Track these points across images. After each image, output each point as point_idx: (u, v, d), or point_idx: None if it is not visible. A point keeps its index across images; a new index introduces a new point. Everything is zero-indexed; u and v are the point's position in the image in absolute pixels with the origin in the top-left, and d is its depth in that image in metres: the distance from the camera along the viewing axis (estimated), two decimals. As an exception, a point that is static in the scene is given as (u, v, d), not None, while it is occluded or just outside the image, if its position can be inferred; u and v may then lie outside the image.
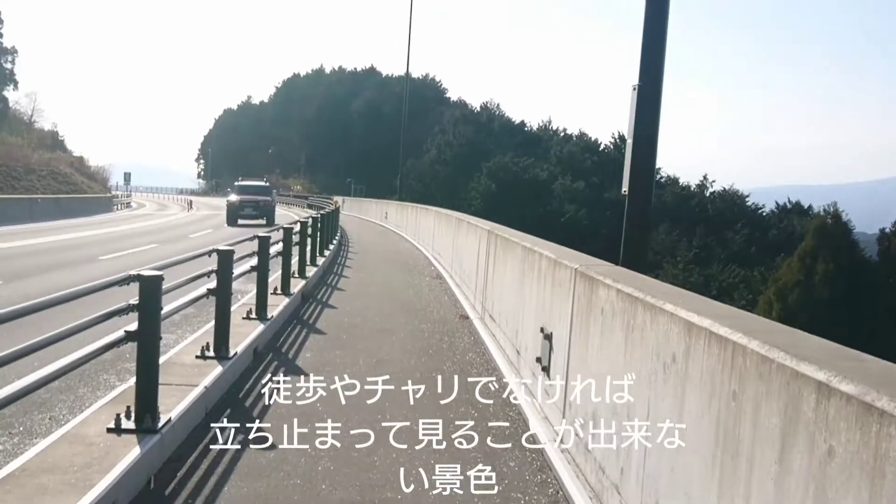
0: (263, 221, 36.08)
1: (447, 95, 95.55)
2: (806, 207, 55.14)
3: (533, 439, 6.48)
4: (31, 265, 17.51)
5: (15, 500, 4.30)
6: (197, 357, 7.75)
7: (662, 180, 61.01)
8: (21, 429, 6.17)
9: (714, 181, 60.13)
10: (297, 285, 13.29)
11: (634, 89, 7.78)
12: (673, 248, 48.77)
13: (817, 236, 37.15)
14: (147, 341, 5.61)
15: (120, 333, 5.52)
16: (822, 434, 2.42)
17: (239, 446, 5.96)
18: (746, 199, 57.46)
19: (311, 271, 15.46)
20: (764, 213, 56.83)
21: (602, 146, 65.03)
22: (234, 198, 38.69)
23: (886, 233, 39.06)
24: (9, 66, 61.48)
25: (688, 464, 3.49)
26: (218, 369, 7.39)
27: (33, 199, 42.71)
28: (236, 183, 41.95)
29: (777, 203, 58.09)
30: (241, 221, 36.86)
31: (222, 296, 7.98)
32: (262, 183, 42.83)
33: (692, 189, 60.30)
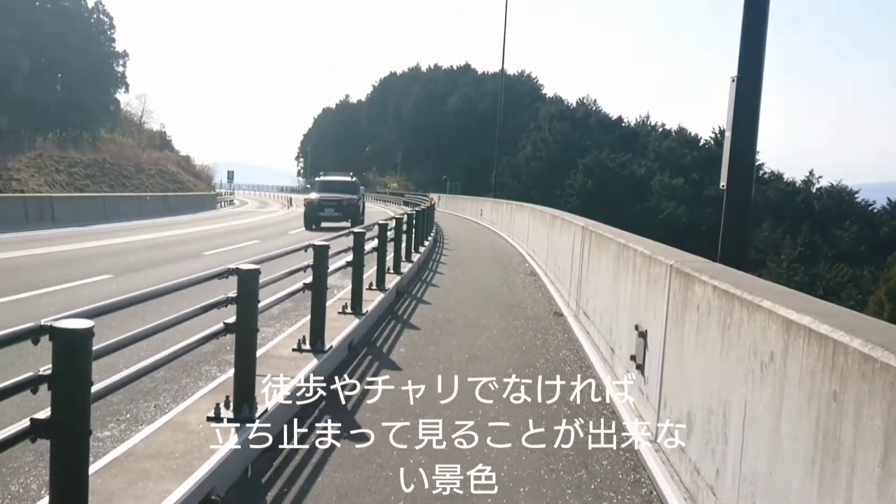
0: (348, 224, 29.83)
1: (543, 92, 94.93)
2: (920, 204, 52.56)
3: (626, 438, 6.39)
4: (139, 260, 18.22)
5: (120, 483, 4.48)
6: (294, 350, 7.92)
7: (765, 176, 59.19)
8: (128, 416, 6.42)
9: (821, 177, 58.05)
10: (391, 281, 13.44)
11: (733, 81, 7.56)
12: (776, 246, 47.27)
13: (933, 234, 35.46)
14: (245, 333, 5.76)
15: (219, 325, 5.68)
16: (928, 437, 2.30)
17: (333, 438, 6.09)
18: (856, 196, 55.17)
19: (405, 267, 15.61)
20: (875, 210, 54.43)
21: (702, 141, 63.58)
22: (313, 196, 33.45)
23: None
24: (121, 69, 64.01)
25: (786, 466, 3.38)
26: (314, 362, 7.53)
27: (142, 197, 44.44)
28: (317, 178, 36.71)
29: (889, 199, 55.56)
30: (322, 224, 31.90)
31: (318, 290, 8.13)
32: (348, 178, 36.13)
33: (797, 185, 58.31)
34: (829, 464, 2.95)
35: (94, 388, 3.50)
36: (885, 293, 35.45)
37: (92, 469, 4.51)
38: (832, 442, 2.93)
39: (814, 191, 56.85)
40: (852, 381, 2.82)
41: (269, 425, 5.91)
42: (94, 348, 3.44)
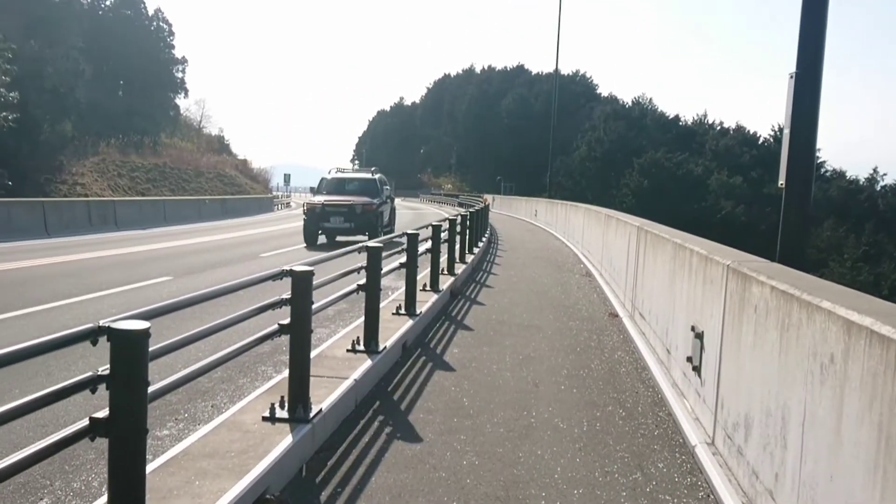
0: (364, 238, 23.23)
1: (597, 91, 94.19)
2: None
3: (684, 441, 6.30)
4: (198, 262, 18.55)
5: (177, 481, 4.55)
6: (348, 350, 7.97)
7: (827, 174, 57.86)
8: (186, 415, 6.53)
9: (885, 174, 56.56)
10: (445, 282, 13.46)
11: (791, 77, 7.40)
12: (839, 246, 46.17)
13: None
14: (299, 334, 5.81)
15: (274, 327, 5.75)
16: None
17: (386, 438, 6.11)
18: (921, 194, 53.63)
19: (459, 268, 15.62)
20: (943, 208, 52.84)
21: (761, 139, 62.49)
22: (316, 199, 24.73)
23: None
24: (180, 75, 65.32)
25: (848, 471, 3.29)
26: (367, 363, 7.57)
27: (201, 200, 45.20)
28: (326, 176, 27.05)
29: (958, 196, 53.92)
30: (325, 238, 24.63)
31: (371, 291, 8.18)
32: (367, 175, 27.03)
33: (861, 183, 56.90)
34: (892, 469, 2.87)
35: (150, 389, 3.56)
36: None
37: (150, 467, 4.60)
38: (895, 447, 2.85)
39: (878, 188, 55.43)
40: (916, 384, 2.73)
41: (323, 425, 5.96)
42: (150, 349, 3.50)
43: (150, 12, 63.29)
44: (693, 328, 6.69)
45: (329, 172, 27.19)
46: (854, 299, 3.80)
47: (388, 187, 27.61)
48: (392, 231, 24.91)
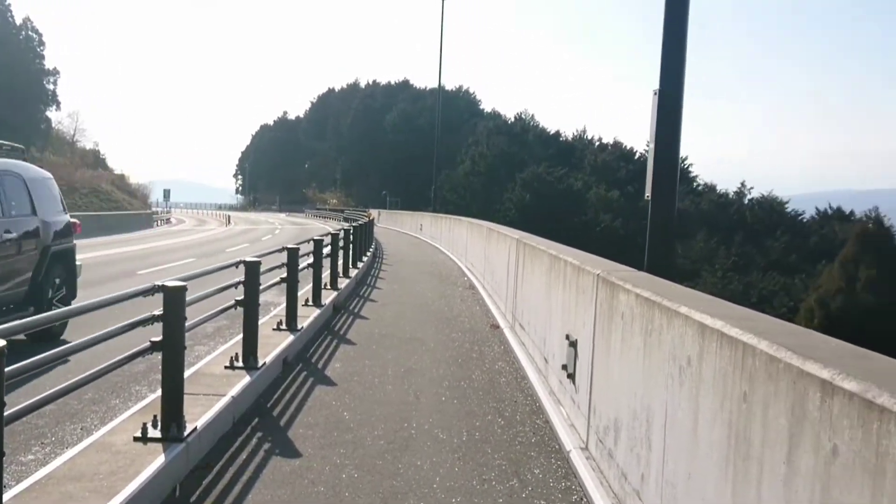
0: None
1: (481, 107, 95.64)
2: (847, 213, 54.20)
3: (559, 447, 6.45)
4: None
5: (40, 507, 4.37)
6: (226, 367, 7.83)
7: (699, 188, 60.47)
8: (53, 439, 6.27)
9: (752, 188, 59.55)
10: (328, 297, 13.37)
11: (655, 94, 7.74)
12: (711, 256, 48.25)
13: (859, 242, 36.58)
14: (171, 351, 5.68)
15: (145, 344, 5.60)
16: (826, 433, 2.38)
17: (264, 455, 6.03)
18: (786, 206, 56.69)
19: (343, 283, 15.55)
20: (804, 220, 55.98)
21: (637, 154, 64.67)
22: None
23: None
24: (51, 86, 62.77)
25: (703, 468, 3.45)
26: (246, 379, 7.45)
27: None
28: None
29: (817, 209, 57.19)
30: None
31: (250, 307, 8.06)
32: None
33: (730, 196, 59.69)
34: (740, 464, 3.03)
35: (7, 411, 3.42)
36: (815, 301, 36.45)
37: (10, 494, 4.40)
38: (743, 442, 3.01)
39: (746, 202, 58.24)
40: (760, 382, 2.90)
41: (199, 444, 5.83)
42: (6, 369, 3.36)
43: (19, 21, 60.62)
44: (568, 337, 6.88)
45: None
46: (708, 304, 4.01)
47: (52, 192, 11.49)
48: (70, 298, 11.25)
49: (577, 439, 6.24)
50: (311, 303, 12.42)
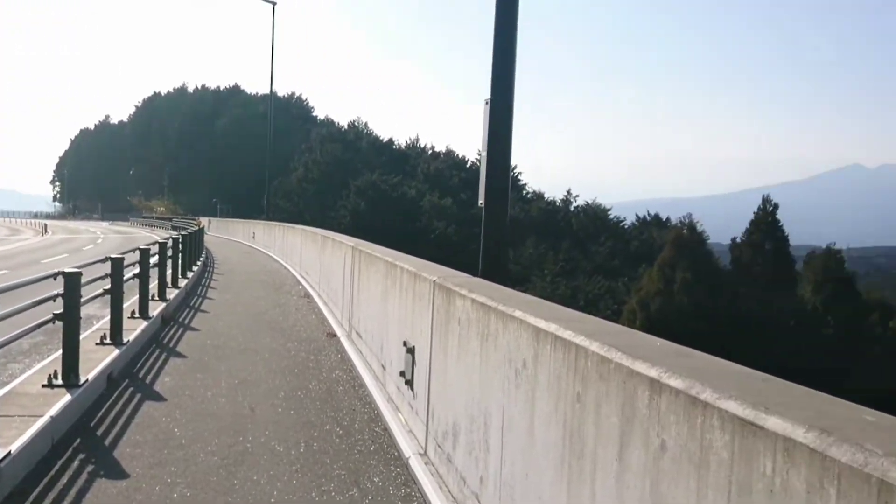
0: None
1: (314, 114, 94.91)
2: (664, 220, 57.54)
3: (399, 453, 6.45)
4: None
5: None
6: (44, 386, 7.34)
7: (528, 195, 62.44)
8: None
9: (577, 196, 62.13)
10: (156, 308, 12.82)
11: (487, 103, 7.91)
12: (541, 262, 49.91)
13: (674, 247, 38.92)
14: (-18, 371, 5.26)
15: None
16: (655, 429, 2.49)
17: (87, 477, 5.70)
18: (608, 213, 59.52)
19: (172, 294, 14.96)
20: (625, 226, 59.00)
21: (469, 163, 66.02)
22: None
23: (738, 242, 41.15)
24: None
25: (540, 468, 3.54)
26: (66, 398, 7.01)
27: None
28: None
29: (637, 216, 60.46)
30: None
31: (70, 320, 7.60)
32: None
33: (557, 204, 62.02)
34: (575, 462, 3.12)
35: None
36: (636, 303, 38.43)
37: None
38: (577, 441, 3.11)
39: (572, 209, 60.70)
40: (592, 383, 3.00)
41: (12, 469, 5.43)
42: None
43: None
44: (405, 343, 6.90)
45: None
46: (542, 308, 4.12)
47: None
48: None
49: (416, 445, 6.26)
50: (137, 315, 11.87)
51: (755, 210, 41.23)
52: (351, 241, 12.87)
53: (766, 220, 40.23)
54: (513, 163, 8.53)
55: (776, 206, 40.65)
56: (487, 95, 7.98)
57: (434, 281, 6.00)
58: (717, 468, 2.14)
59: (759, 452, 1.96)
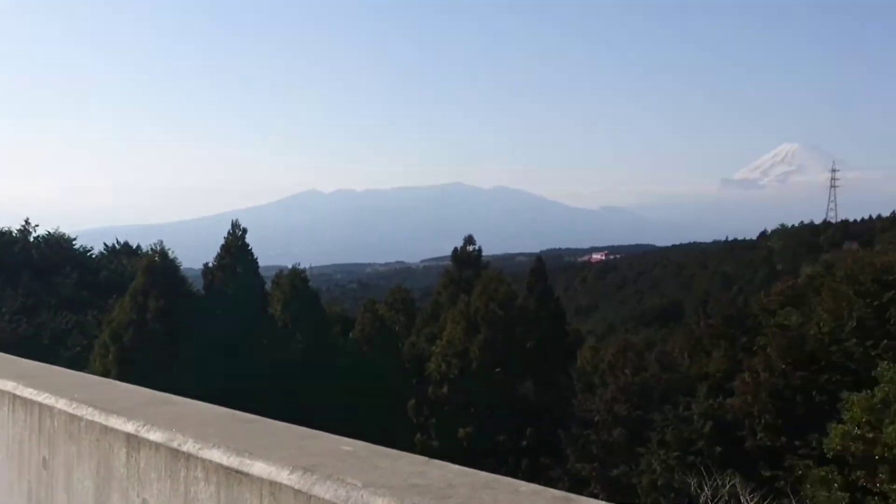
0: None
1: None
2: (135, 247, 55.89)
3: None
4: None
5: None
6: None
7: (-19, 226, 55.85)
8: None
9: (38, 225, 57.25)
10: None
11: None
12: (-3, 300, 44.97)
13: (147, 274, 38.01)
14: None
15: None
16: (135, 489, 2.32)
17: None
18: (74, 242, 55.95)
19: None
20: (93, 256, 56.02)
21: None
22: None
23: (209, 267, 41.63)
24: None
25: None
26: None
27: None
28: None
29: (105, 244, 57.83)
30: None
31: None
32: None
33: (14, 234, 56.46)
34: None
35: None
36: (108, 335, 36.67)
37: None
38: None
39: (31, 239, 55.79)
40: (61, 445, 2.71)
41: None
42: None
43: None
44: None
45: None
46: (-3, 363, 3.64)
47: None
48: None
49: None
50: None
51: (225, 235, 42.15)
52: None
53: (235, 244, 41.34)
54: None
55: (245, 231, 42.02)
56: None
57: None
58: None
59: (245, 501, 1.91)
